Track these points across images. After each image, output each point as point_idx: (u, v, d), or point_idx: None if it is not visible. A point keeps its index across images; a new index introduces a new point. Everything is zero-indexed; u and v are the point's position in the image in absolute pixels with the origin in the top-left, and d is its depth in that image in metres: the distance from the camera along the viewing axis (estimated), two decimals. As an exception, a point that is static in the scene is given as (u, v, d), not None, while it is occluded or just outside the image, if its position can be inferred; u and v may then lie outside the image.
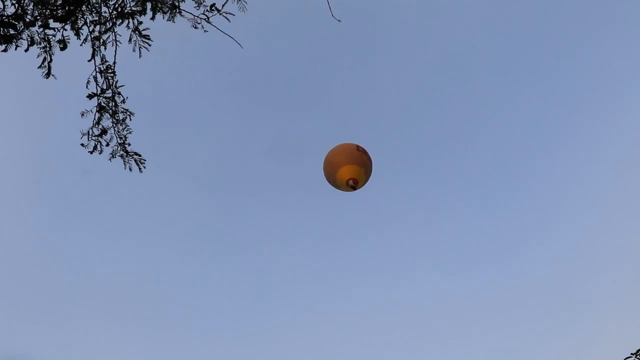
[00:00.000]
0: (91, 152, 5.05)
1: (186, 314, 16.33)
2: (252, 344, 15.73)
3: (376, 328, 15.93)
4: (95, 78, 5.06)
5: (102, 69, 5.11)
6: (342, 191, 9.91)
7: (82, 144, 5.04)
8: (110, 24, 5.08)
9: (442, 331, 15.82)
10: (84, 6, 5.01)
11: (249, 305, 16.56)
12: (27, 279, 15.35)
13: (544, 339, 15.04)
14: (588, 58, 17.05)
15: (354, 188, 9.66)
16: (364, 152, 9.72)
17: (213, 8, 5.05)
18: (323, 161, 10.10)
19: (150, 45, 5.15)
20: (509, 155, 18.20)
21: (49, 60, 5.05)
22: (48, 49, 5.03)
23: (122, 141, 5.11)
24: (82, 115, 5.00)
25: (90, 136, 5.03)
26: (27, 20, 4.94)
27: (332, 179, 9.95)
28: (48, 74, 5.05)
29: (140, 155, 5.14)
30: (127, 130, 5.09)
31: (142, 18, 5.09)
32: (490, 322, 15.77)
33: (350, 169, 9.69)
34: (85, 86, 5.03)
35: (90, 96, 4.99)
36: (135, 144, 5.21)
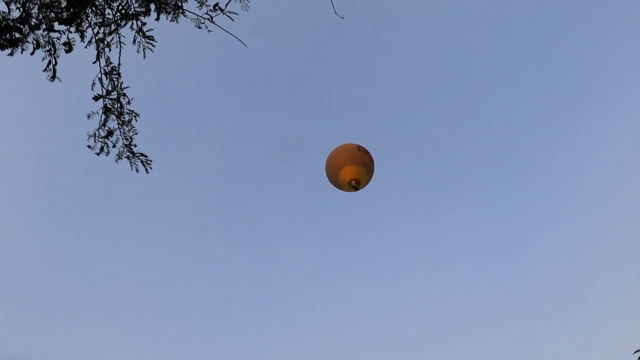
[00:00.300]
0: (98, 154, 5.07)
1: (186, 314, 16.34)
2: (252, 344, 15.75)
3: (377, 328, 15.96)
4: (100, 80, 5.08)
5: (107, 70, 5.14)
6: (344, 191, 9.95)
7: (89, 146, 5.07)
8: (115, 26, 5.10)
9: (443, 330, 15.86)
10: (88, 8, 5.03)
11: (250, 305, 16.58)
12: (28, 279, 15.36)
13: (544, 337, 15.09)
14: (591, 54, 17.07)
15: (356, 188, 9.69)
16: (366, 152, 9.75)
17: (216, 8, 5.08)
18: (325, 162, 10.14)
19: (154, 46, 5.18)
20: (509, 154, 18.24)
21: (54, 63, 5.08)
22: (53, 52, 5.05)
23: (128, 142, 5.13)
24: (89, 117, 5.02)
25: (96, 138, 5.06)
26: (32, 23, 4.96)
27: (334, 179, 9.99)
28: (53, 77, 5.07)
29: (146, 156, 5.16)
30: (132, 132, 5.12)
31: (145, 19, 5.12)
32: (491, 321, 15.81)
33: (352, 169, 9.73)
34: (91, 88, 5.06)
35: (96, 98, 5.02)
36: (139, 144, 5.25)
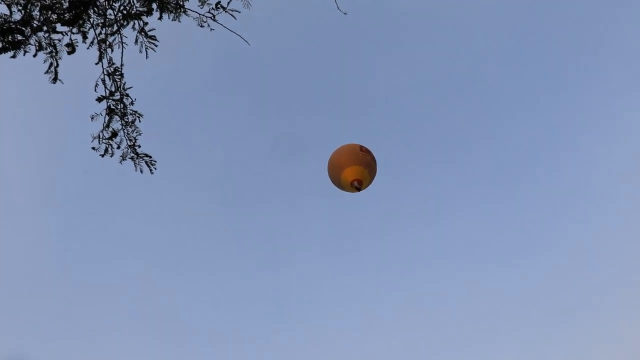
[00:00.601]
0: (102, 156, 5.03)
1: (190, 318, 16.21)
2: (262, 351, 15.63)
3: (383, 332, 15.87)
4: (103, 81, 5.04)
5: (110, 71, 5.10)
6: (347, 192, 9.90)
7: (93, 148, 5.02)
8: (117, 26, 5.08)
9: (453, 334, 15.74)
10: (91, 9, 5.00)
11: (259, 313, 16.46)
12: (28, 279, 15.27)
13: (554, 342, 14.97)
14: (602, 60, 16.91)
15: (358, 189, 9.62)
16: (368, 152, 9.70)
17: (219, 6, 5.07)
18: (327, 162, 10.09)
19: (156, 46, 5.15)
20: (517, 159, 18.06)
21: (55, 65, 5.04)
22: (54, 54, 5.02)
23: (132, 143, 5.09)
24: (92, 118, 4.98)
25: (100, 139, 5.01)
26: (34, 25, 4.93)
27: (337, 180, 9.94)
28: (55, 79, 5.03)
29: (150, 157, 5.12)
30: (136, 132, 5.08)
31: (147, 19, 5.10)
32: (501, 325, 15.69)
33: (354, 170, 9.68)
34: (94, 89, 5.02)
35: (99, 99, 4.98)
36: (143, 145, 5.22)
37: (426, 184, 17.77)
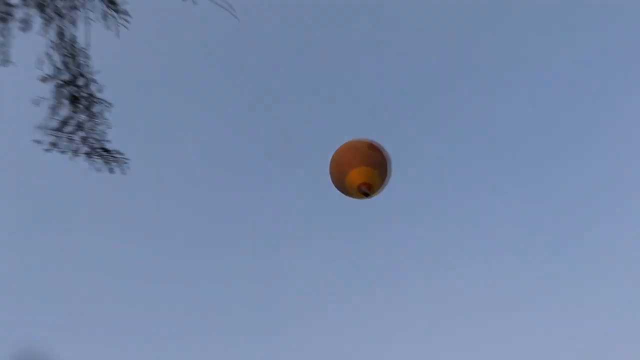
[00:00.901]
0: (47, 151, 4.07)
1: (188, 321, 15.67)
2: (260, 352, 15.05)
3: (387, 333, 15.30)
4: (49, 56, 4.12)
5: (71, 52, 4.22)
6: (353, 198, 8.88)
7: (36, 140, 4.05)
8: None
9: (458, 334, 15.22)
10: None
11: (261, 313, 15.91)
12: (26, 280, 14.70)
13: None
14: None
15: (367, 195, 8.51)
16: (379, 149, 8.63)
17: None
18: (329, 162, 9.06)
19: (129, 22, 4.32)
20: (526, 155, 17.49)
21: (5, 43, 4.20)
22: (3, 30, 4.18)
23: (99, 138, 4.22)
24: (36, 103, 4.03)
25: (49, 131, 4.08)
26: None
27: (341, 184, 8.88)
28: (5, 61, 4.19)
29: (122, 154, 4.26)
30: (104, 125, 4.21)
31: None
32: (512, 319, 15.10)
33: (361, 171, 8.64)
34: (38, 67, 4.07)
35: (44, 79, 4.05)
36: (115, 141, 4.37)
37: (429, 183, 17.19)
